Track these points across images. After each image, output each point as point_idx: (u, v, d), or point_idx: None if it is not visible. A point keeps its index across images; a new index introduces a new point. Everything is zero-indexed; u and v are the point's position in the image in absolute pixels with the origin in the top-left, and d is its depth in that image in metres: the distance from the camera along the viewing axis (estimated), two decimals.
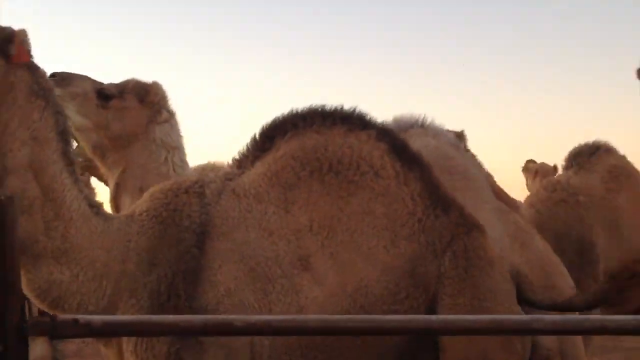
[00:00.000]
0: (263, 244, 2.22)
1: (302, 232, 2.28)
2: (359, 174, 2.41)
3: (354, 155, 2.43)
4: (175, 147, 3.08)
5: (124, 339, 2.15)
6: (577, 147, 4.29)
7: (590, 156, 4.18)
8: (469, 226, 2.47)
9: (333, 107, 2.49)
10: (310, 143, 2.42)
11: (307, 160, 2.38)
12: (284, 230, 2.27)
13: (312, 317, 2.03)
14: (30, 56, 2.19)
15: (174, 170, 3.02)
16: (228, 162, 2.75)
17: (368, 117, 2.52)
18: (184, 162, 3.13)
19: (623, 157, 4.29)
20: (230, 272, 2.16)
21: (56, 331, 1.54)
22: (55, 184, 2.11)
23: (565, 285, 2.93)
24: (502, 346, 2.34)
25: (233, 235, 2.22)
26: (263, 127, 2.50)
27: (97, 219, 2.21)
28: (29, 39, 2.19)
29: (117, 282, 2.17)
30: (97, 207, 2.26)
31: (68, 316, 1.60)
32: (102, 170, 2.73)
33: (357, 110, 2.52)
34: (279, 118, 2.50)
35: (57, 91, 2.42)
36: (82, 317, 1.72)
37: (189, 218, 2.21)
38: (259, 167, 2.39)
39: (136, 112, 3.00)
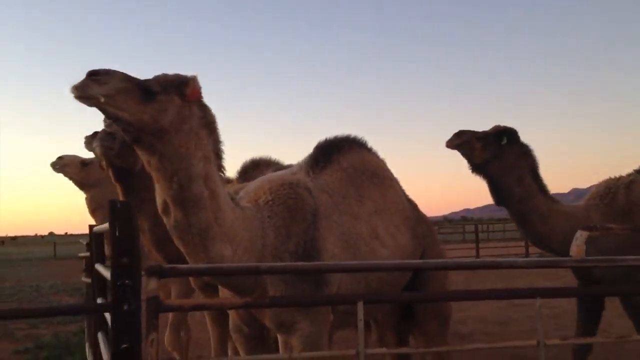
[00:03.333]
0: (351, 224, 3.31)
1: (371, 215, 3.45)
2: (386, 178, 3.74)
3: (379, 166, 3.74)
4: None
5: (271, 286, 2.92)
6: None
7: None
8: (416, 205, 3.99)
9: (355, 136, 3.76)
10: (359, 158, 3.63)
11: (362, 169, 3.59)
12: (361, 215, 3.40)
13: (368, 262, 3.22)
14: (201, 96, 2.78)
15: None
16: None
17: (368, 142, 3.81)
18: None
19: None
20: (334, 243, 3.16)
21: (163, 273, 2.58)
22: (216, 187, 2.76)
23: None
24: (447, 276, 3.63)
25: (332, 218, 3.23)
26: (320, 146, 3.63)
27: (238, 209, 2.92)
28: (199, 83, 2.75)
29: (261, 253, 2.93)
30: (236, 200, 3.00)
31: (169, 265, 2.63)
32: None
33: (363, 137, 3.79)
34: (329, 140, 3.65)
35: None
36: (178, 265, 2.77)
37: (307, 204, 3.14)
38: (331, 174, 3.47)
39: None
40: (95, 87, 2.44)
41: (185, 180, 2.66)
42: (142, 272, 2.45)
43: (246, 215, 2.95)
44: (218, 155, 2.88)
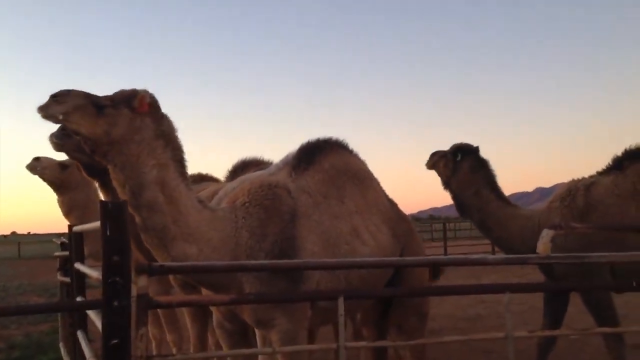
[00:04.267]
0: (332, 224, 3.42)
1: (352, 214, 3.57)
2: (367, 178, 3.86)
3: (361, 167, 3.87)
4: None
5: (247, 284, 3.04)
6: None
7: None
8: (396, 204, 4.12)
9: (337, 138, 3.87)
10: (341, 160, 3.75)
11: (343, 171, 3.71)
12: (342, 215, 3.51)
13: (345, 260, 3.32)
14: (153, 108, 2.96)
15: None
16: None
17: (349, 144, 3.92)
18: None
19: None
20: (314, 242, 3.26)
21: (152, 271, 2.67)
22: (174, 192, 2.93)
23: None
24: (426, 273, 3.77)
25: (312, 218, 3.32)
26: (303, 148, 3.72)
27: (206, 211, 3.07)
28: (148, 97, 2.94)
29: (234, 252, 3.06)
30: (204, 202, 3.12)
31: (158, 263, 2.73)
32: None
33: (345, 140, 3.90)
34: (311, 142, 3.75)
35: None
36: (166, 264, 2.86)
37: (285, 205, 3.24)
38: (313, 175, 3.56)
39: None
40: (56, 107, 2.75)
41: (137, 188, 2.86)
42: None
43: (216, 216, 3.11)
44: (179, 162, 3.03)
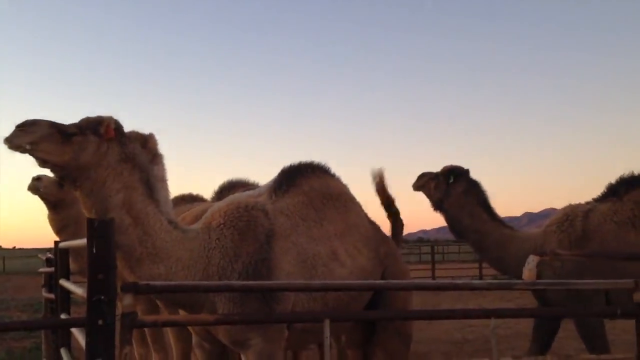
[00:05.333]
0: (309, 245, 3.45)
1: (331, 237, 3.59)
2: (348, 201, 3.89)
3: (342, 191, 3.90)
4: None
5: (220, 304, 3.07)
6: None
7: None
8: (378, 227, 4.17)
9: (319, 162, 3.92)
10: (321, 183, 3.79)
11: (323, 194, 3.74)
12: (321, 237, 3.54)
13: (327, 282, 3.32)
14: (118, 133, 3.03)
15: None
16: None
17: (331, 169, 3.97)
18: None
19: None
20: (290, 262, 3.29)
21: (137, 290, 2.65)
22: (141, 214, 2.99)
23: None
24: (410, 295, 3.95)
25: (290, 239, 3.36)
26: (285, 171, 3.80)
27: (176, 231, 3.12)
28: (114, 123, 3.01)
29: (205, 270, 3.11)
30: (175, 223, 3.16)
31: (144, 282, 2.72)
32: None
33: (326, 164, 3.95)
34: (293, 166, 3.82)
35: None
36: (152, 282, 2.85)
37: (260, 226, 3.29)
38: (293, 197, 3.63)
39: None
40: (23, 137, 2.80)
41: (102, 212, 2.91)
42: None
43: (187, 236, 3.17)
44: (147, 184, 3.09)
